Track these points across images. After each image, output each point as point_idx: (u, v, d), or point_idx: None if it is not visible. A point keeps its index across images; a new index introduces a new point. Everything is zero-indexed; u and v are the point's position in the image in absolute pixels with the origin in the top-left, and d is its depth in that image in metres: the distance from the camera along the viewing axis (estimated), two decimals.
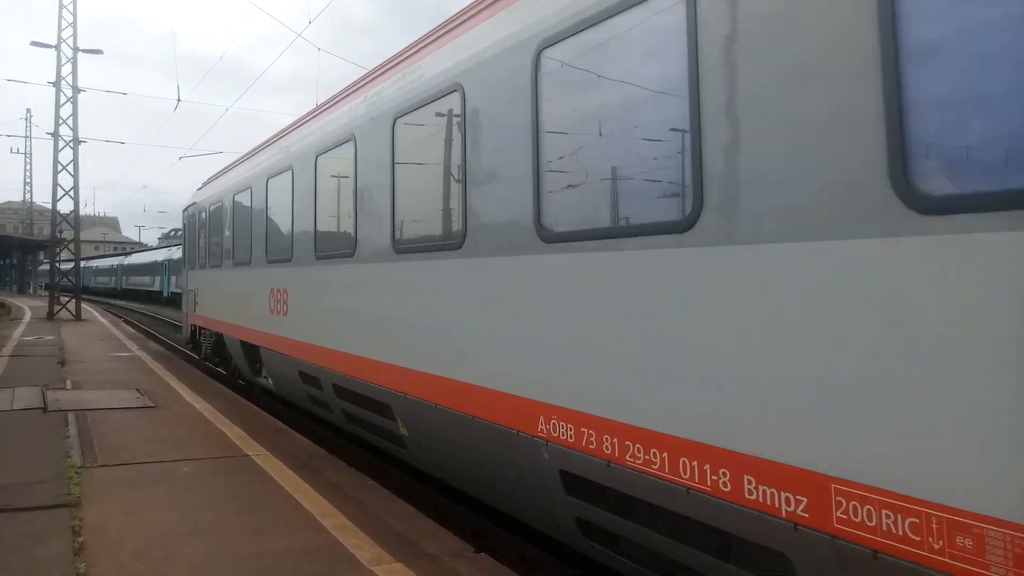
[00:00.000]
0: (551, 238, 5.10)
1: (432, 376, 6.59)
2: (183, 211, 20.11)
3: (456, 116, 6.36)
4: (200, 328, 17.96)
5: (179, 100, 34.07)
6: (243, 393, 14.38)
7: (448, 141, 6.55)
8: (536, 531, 6.41)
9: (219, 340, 16.03)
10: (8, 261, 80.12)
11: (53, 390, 12.76)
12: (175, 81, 55.70)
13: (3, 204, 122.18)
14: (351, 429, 9.26)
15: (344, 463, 8.60)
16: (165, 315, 45.12)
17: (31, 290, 71.68)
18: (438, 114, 6.72)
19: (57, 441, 8.92)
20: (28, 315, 34.77)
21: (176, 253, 59.54)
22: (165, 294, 60.03)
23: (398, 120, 7.46)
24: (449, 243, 6.38)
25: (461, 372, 6.14)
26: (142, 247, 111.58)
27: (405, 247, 7.16)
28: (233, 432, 9.73)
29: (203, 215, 17.06)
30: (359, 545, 5.70)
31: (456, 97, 6.35)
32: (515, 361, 5.44)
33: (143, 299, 67.60)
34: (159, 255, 66.46)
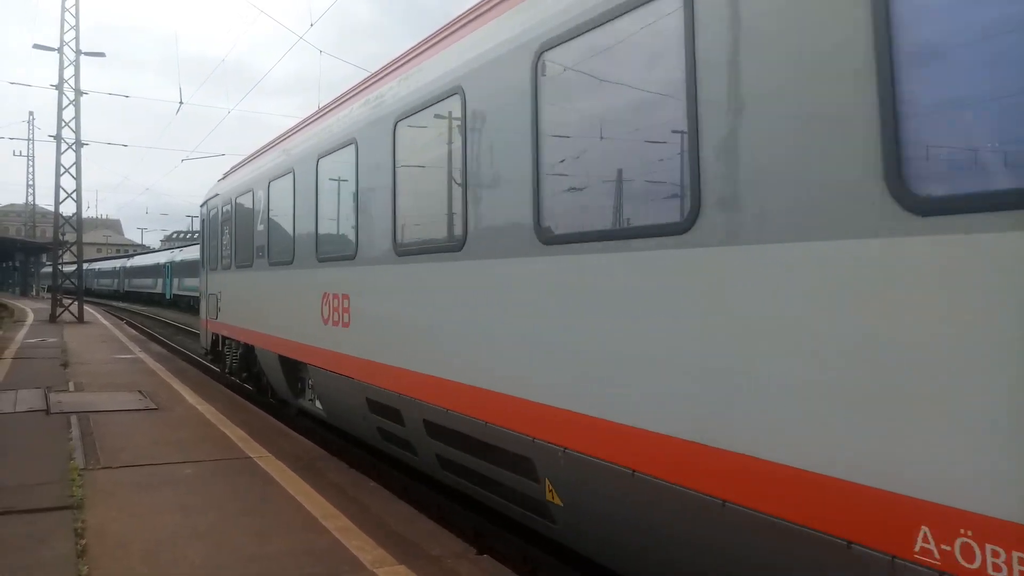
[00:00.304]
0: (930, 208, 2.87)
1: (628, 429, 4.33)
2: (201, 205, 17.78)
3: (670, 29, 4.18)
4: (224, 338, 15.58)
5: (181, 103, 34.13)
6: (245, 395, 14.38)
7: (657, 73, 4.37)
8: (538, 532, 6.29)
9: (248, 353, 13.59)
10: (11, 263, 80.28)
11: (56, 392, 12.77)
12: (177, 84, 55.75)
13: (6, 206, 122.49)
14: (446, 478, 7.03)
15: (346, 465, 8.60)
16: (168, 317, 45.20)
17: (34, 292, 71.84)
18: (630, 33, 4.52)
19: (60, 443, 8.93)
20: (31, 317, 34.84)
21: (179, 255, 59.73)
22: (168, 296, 60.18)
23: (545, 55, 5.23)
24: (666, 227, 4.18)
25: (697, 429, 3.90)
26: (144, 249, 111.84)
27: (567, 236, 4.93)
28: (235, 434, 9.73)
29: (227, 208, 14.61)
30: (361, 547, 5.70)
31: (674, 3, 4.16)
32: (829, 421, 3.25)
33: (145, 301, 67.74)
34: (161, 257, 66.62)
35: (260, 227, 12.14)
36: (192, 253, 56.10)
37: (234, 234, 14.06)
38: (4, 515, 6.25)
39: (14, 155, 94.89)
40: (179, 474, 7.70)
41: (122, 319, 40.53)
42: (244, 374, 14.45)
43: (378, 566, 5.32)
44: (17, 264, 77.23)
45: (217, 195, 15.86)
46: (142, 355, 19.93)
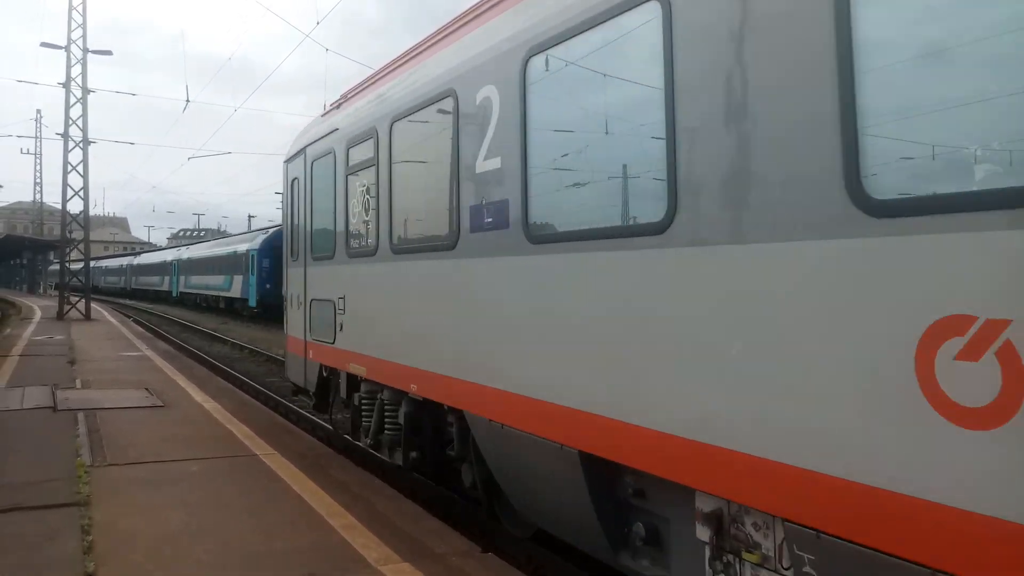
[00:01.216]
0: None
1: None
2: (287, 160, 11.35)
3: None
4: (352, 378, 8.88)
5: (188, 101, 34.25)
6: (251, 392, 14.41)
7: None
8: (542, 531, 6.28)
9: (425, 414, 7.46)
10: (19, 261, 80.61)
11: (63, 389, 12.82)
12: (184, 82, 55.92)
13: (13, 204, 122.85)
14: None
15: (351, 463, 8.62)
16: (174, 315, 45.34)
17: (41, 290, 72.12)
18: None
19: (67, 440, 8.96)
20: (38, 315, 34.96)
21: (186, 253, 59.90)
22: (174, 294, 60.38)
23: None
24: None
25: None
26: (151, 247, 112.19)
27: None
28: (241, 431, 9.75)
29: (362, 151, 8.22)
30: (366, 545, 5.71)
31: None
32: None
33: (152, 299, 67.99)
34: (168, 255, 66.83)
35: (487, 164, 5.79)
36: (198, 251, 56.31)
37: (387, 196, 7.54)
38: (12, 512, 6.29)
39: (22, 153, 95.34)
40: (185, 471, 7.73)
41: (129, 316, 40.66)
42: (413, 453, 7.64)
43: (383, 564, 5.33)
44: (25, 262, 77.53)
45: (334, 132, 9.21)
46: (149, 352, 19.99)
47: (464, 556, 5.60)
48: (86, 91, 32.16)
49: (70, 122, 31.99)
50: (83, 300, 33.89)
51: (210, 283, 50.18)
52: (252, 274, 41.17)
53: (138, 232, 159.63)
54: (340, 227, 8.87)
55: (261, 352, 24.23)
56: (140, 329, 30.41)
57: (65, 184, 32.04)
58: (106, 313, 39.37)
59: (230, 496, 6.91)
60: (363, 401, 8.61)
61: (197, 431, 9.72)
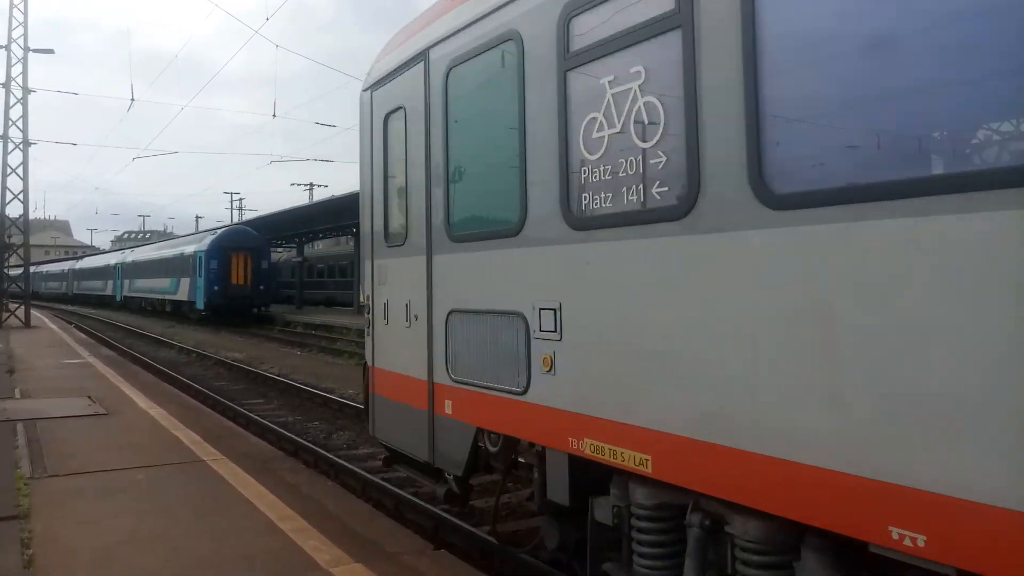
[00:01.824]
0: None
1: None
2: (368, 90, 7.42)
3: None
4: (587, 465, 4.58)
5: (133, 99, 33.49)
6: (199, 397, 14.17)
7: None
8: (497, 526, 6.31)
9: None
10: None
11: (1, 400, 12.42)
12: (129, 80, 54.70)
13: None
14: None
15: (302, 464, 8.55)
16: (118, 320, 44.26)
17: None
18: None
19: (5, 452, 8.69)
20: None
21: (130, 256, 58.44)
22: (118, 299, 58.92)
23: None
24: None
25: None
26: (94, 251, 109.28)
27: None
28: (188, 437, 9.58)
29: (597, 20, 4.36)
30: (318, 547, 5.67)
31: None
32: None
33: (95, 304, 66.25)
34: (112, 259, 65.14)
35: None
36: (143, 254, 54.99)
37: (738, 87, 3.50)
38: None
39: None
40: (130, 480, 7.57)
41: (71, 323, 39.57)
42: None
43: (335, 565, 5.31)
44: None
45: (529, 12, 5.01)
46: (91, 359, 19.48)
47: (417, 554, 5.61)
48: (27, 91, 31.20)
49: (10, 123, 31.01)
50: (23, 307, 32.88)
51: (156, 286, 49.11)
52: (200, 276, 40.42)
53: (80, 235, 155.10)
54: (542, 176, 4.95)
55: (209, 356, 23.82)
56: (83, 335, 29.63)
57: (4, 188, 31.01)
58: (47, 320, 38.26)
59: (177, 504, 6.79)
60: (643, 524, 4.33)
61: (142, 438, 9.52)
